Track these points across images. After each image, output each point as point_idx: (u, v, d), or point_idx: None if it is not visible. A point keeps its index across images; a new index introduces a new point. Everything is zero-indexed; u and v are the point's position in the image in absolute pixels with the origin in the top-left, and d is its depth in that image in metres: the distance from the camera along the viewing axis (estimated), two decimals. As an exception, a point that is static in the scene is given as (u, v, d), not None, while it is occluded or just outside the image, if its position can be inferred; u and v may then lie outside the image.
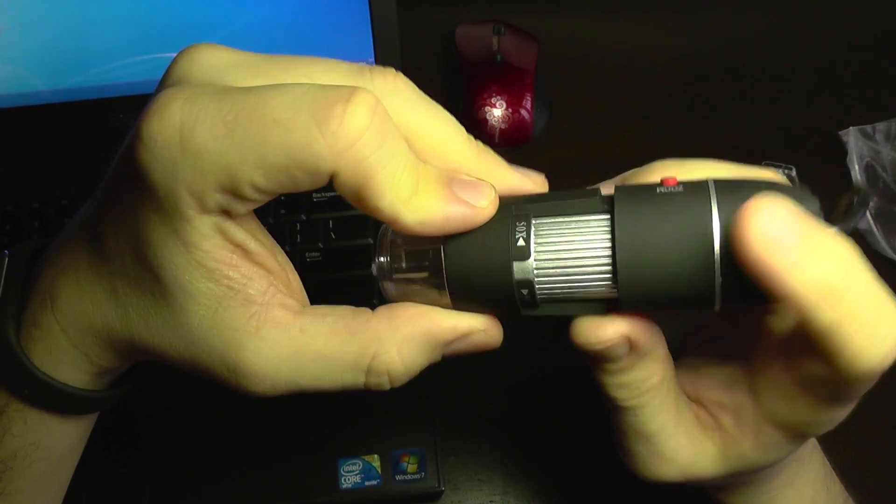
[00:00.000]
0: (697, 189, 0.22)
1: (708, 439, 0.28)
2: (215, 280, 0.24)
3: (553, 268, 0.24)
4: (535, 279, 0.24)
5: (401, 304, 0.26)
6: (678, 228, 0.22)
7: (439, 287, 0.25)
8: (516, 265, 0.23)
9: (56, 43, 0.56)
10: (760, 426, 0.26)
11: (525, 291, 0.24)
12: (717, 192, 0.22)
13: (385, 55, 0.58)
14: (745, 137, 0.63)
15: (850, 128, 0.62)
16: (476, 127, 0.61)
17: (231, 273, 0.24)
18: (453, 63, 0.66)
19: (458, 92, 0.63)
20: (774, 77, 0.68)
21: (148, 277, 0.24)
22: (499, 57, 0.63)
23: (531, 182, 0.26)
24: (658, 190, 0.23)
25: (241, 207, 0.23)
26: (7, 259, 0.29)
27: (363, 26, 0.57)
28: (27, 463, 0.29)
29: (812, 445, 0.34)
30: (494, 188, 0.24)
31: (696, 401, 0.29)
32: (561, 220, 0.24)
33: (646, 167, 0.26)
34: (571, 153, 0.62)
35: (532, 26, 0.67)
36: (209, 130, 0.22)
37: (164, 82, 0.25)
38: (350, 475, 0.47)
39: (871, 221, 0.59)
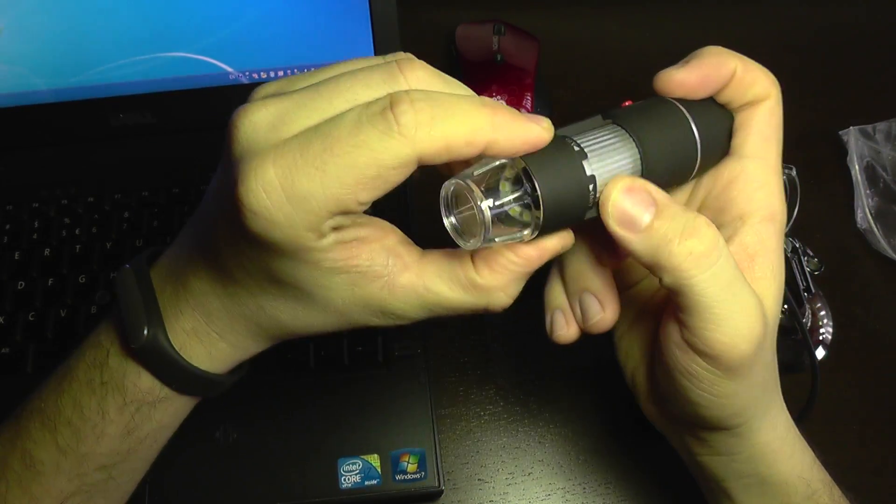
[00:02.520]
0: (662, 100, 0.33)
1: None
2: (345, 272, 0.29)
3: (604, 165, 0.30)
4: (596, 175, 0.29)
5: (495, 255, 0.30)
6: (672, 130, 0.32)
7: (528, 208, 0.29)
8: (585, 163, 0.29)
9: (56, 43, 0.56)
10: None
11: (591, 186, 0.29)
12: (689, 112, 0.33)
13: (385, 55, 0.58)
14: (745, 137, 0.63)
15: (850, 128, 0.62)
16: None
17: (356, 262, 0.29)
18: (453, 63, 0.66)
19: (458, 92, 0.63)
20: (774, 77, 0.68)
21: (288, 290, 0.30)
22: (499, 57, 0.63)
23: (544, 130, 0.28)
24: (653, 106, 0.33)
25: (347, 220, 0.28)
26: (133, 272, 0.33)
27: (363, 26, 0.57)
28: (151, 444, 0.35)
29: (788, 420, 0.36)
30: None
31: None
32: (592, 134, 0.31)
33: (702, 57, 0.34)
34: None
35: (532, 26, 0.67)
36: (306, 178, 0.26)
37: (232, 153, 0.28)
38: (350, 475, 0.47)
39: (871, 221, 0.59)
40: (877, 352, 0.54)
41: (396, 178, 0.26)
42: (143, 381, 0.33)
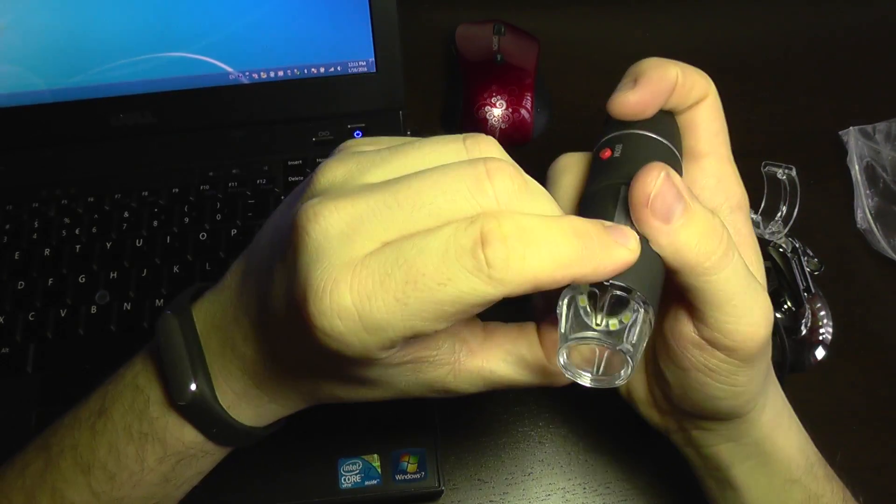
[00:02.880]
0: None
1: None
2: (411, 363, 0.29)
3: None
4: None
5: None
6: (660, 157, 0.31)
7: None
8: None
9: (56, 43, 0.56)
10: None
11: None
12: (659, 135, 0.33)
13: (385, 55, 0.58)
14: (745, 137, 0.63)
15: (850, 128, 0.62)
16: (476, 127, 0.61)
17: (421, 354, 0.29)
18: (453, 63, 0.66)
19: (458, 92, 0.63)
20: (774, 77, 0.68)
21: (350, 380, 0.30)
22: (499, 57, 0.63)
23: (630, 251, 0.27)
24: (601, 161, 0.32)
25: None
26: (177, 320, 0.32)
27: (363, 26, 0.57)
28: (187, 487, 0.35)
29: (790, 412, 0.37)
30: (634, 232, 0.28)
31: None
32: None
33: (647, 72, 0.34)
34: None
35: (532, 26, 0.67)
36: (384, 308, 0.24)
37: (299, 257, 0.26)
38: (350, 475, 0.47)
39: (871, 221, 0.59)
40: (877, 352, 0.54)
41: (478, 311, 0.25)
42: (187, 436, 0.33)
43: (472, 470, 0.50)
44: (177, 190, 0.58)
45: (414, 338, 0.26)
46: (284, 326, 0.28)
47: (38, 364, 0.51)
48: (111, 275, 0.54)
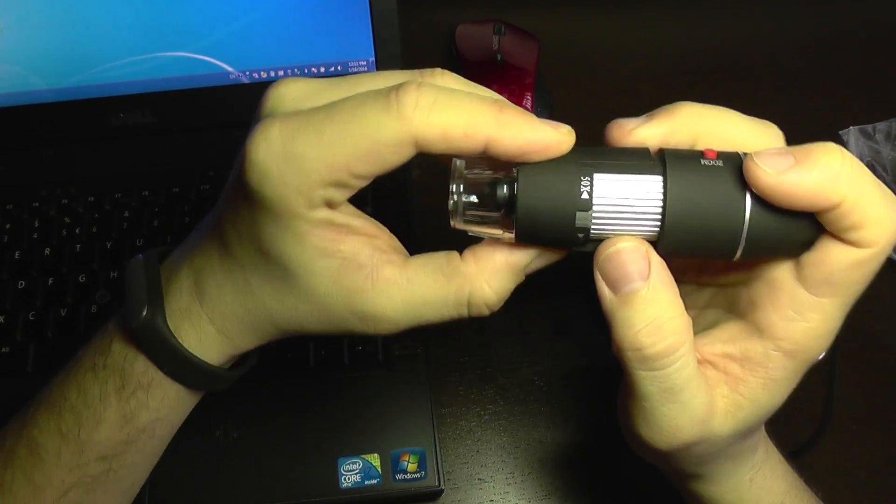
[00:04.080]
0: (733, 164, 0.27)
1: (718, 396, 0.30)
2: (330, 256, 0.29)
3: (609, 218, 0.28)
4: (592, 227, 0.28)
5: (482, 245, 0.30)
6: (719, 199, 0.27)
7: (506, 224, 0.28)
8: (579, 214, 0.27)
9: (56, 42, 0.56)
10: (769, 360, 0.29)
11: (581, 235, 0.28)
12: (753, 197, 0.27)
13: (386, 55, 0.58)
14: (745, 137, 0.63)
15: (850, 128, 0.62)
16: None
17: (342, 248, 0.29)
18: (454, 63, 0.66)
19: (458, 92, 0.63)
20: (774, 77, 0.68)
21: (275, 268, 0.29)
22: (499, 56, 0.63)
23: (561, 134, 0.27)
24: (702, 161, 0.27)
25: (340, 196, 0.28)
26: (143, 260, 0.34)
27: (364, 26, 0.57)
28: (151, 436, 0.35)
29: (771, 448, 0.36)
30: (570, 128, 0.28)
31: (700, 362, 0.31)
32: (620, 177, 0.27)
33: (674, 110, 0.29)
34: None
35: (532, 26, 0.67)
36: (305, 139, 0.27)
37: (259, 113, 0.30)
38: (350, 474, 0.47)
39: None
40: (877, 352, 0.54)
41: (392, 157, 0.27)
42: (139, 364, 0.33)
43: (472, 470, 0.50)
44: (177, 190, 0.58)
45: (334, 187, 0.27)
46: (229, 195, 0.30)
47: (39, 364, 0.51)
48: (111, 274, 0.54)
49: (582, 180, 0.27)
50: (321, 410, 0.49)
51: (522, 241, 0.29)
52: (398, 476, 0.47)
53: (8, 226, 0.57)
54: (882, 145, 0.62)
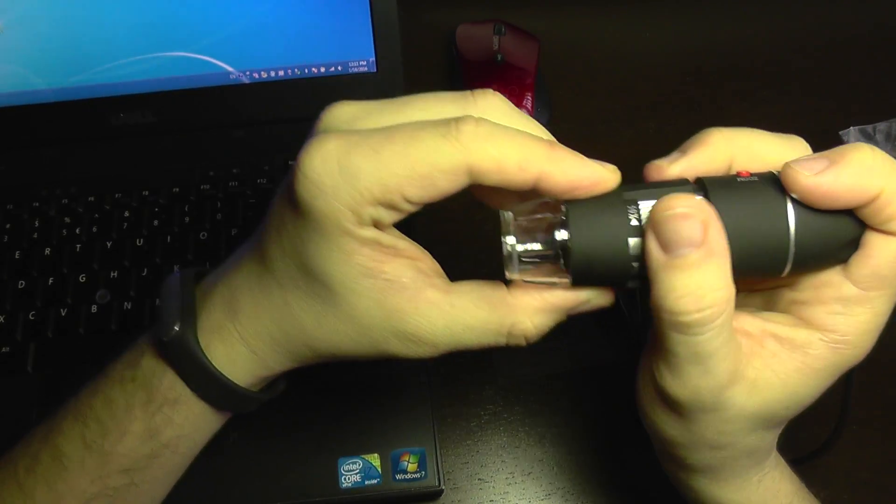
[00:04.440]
0: (768, 179, 0.28)
1: (749, 367, 0.29)
2: (374, 276, 0.29)
3: None
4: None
5: (532, 284, 0.30)
6: (762, 210, 0.28)
7: (559, 269, 0.29)
8: (632, 242, 0.28)
9: (56, 42, 0.56)
10: (811, 347, 0.29)
11: (636, 264, 0.28)
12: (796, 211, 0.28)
13: (386, 55, 0.58)
14: (745, 137, 0.63)
15: (850, 128, 0.62)
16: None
17: (386, 269, 0.29)
18: (454, 63, 0.66)
19: (458, 92, 0.63)
20: (774, 77, 0.68)
21: (317, 286, 0.30)
22: (499, 57, 0.63)
23: (608, 171, 0.28)
24: (738, 180, 0.29)
25: (389, 218, 0.28)
26: (179, 277, 0.34)
27: (364, 26, 0.57)
28: (175, 453, 0.35)
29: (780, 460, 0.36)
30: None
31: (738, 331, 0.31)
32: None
33: (705, 140, 0.30)
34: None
35: (533, 26, 0.67)
36: (361, 156, 0.27)
37: (313, 132, 0.30)
38: (350, 474, 0.47)
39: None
40: (877, 352, 0.54)
41: (445, 184, 0.27)
42: (167, 379, 0.33)
43: (472, 470, 0.50)
44: (177, 190, 0.58)
45: (385, 208, 0.27)
46: (277, 209, 0.30)
47: (39, 363, 0.51)
48: (111, 274, 0.54)
49: (629, 209, 0.28)
50: (321, 410, 0.49)
51: (577, 282, 0.29)
52: (398, 476, 0.47)
53: (8, 226, 0.57)
54: (882, 145, 0.62)
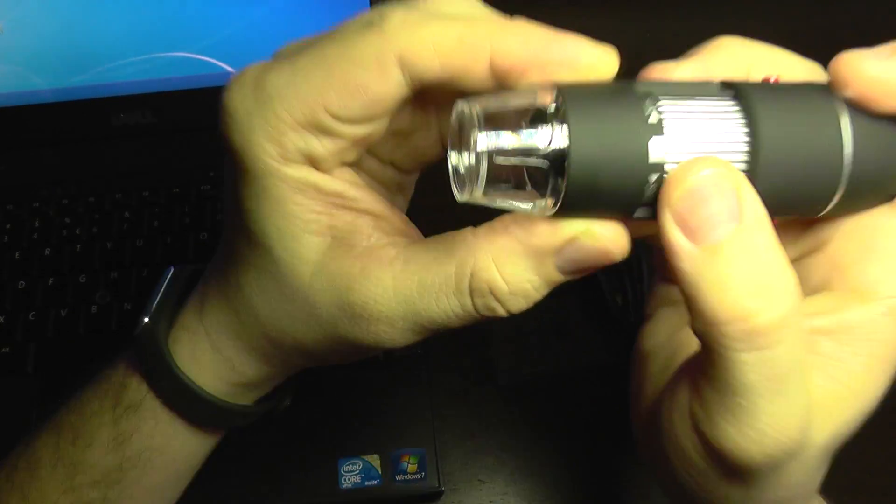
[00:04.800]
0: (810, 86, 0.22)
1: (813, 387, 0.22)
2: (314, 231, 0.23)
3: (687, 152, 0.20)
4: (667, 163, 0.20)
5: (502, 217, 0.23)
6: (809, 122, 0.21)
7: (542, 189, 0.20)
8: (653, 143, 0.20)
9: (56, 43, 0.56)
10: (876, 329, 0.22)
11: (654, 178, 0.20)
12: (852, 120, 0.21)
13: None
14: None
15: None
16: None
17: (334, 223, 0.24)
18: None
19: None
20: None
21: (261, 256, 0.24)
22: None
23: (601, 52, 0.22)
24: (771, 84, 0.22)
25: (323, 148, 0.23)
26: (171, 272, 0.31)
27: (363, 26, 0.57)
28: (147, 468, 0.30)
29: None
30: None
31: None
32: (689, 102, 0.21)
33: (717, 47, 0.24)
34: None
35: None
36: (276, 72, 0.22)
37: None
38: (350, 475, 0.47)
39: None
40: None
41: (376, 84, 0.21)
42: (134, 379, 0.30)
43: (472, 470, 0.50)
44: (177, 190, 0.58)
45: (311, 132, 0.22)
46: (225, 189, 0.26)
47: (39, 364, 0.51)
48: (112, 275, 0.54)
49: (645, 100, 0.20)
50: (321, 411, 0.49)
51: (567, 206, 0.20)
52: (398, 477, 0.47)
53: (8, 226, 0.57)
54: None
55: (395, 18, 0.21)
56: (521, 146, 0.20)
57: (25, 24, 0.55)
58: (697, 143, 0.20)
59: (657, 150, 0.20)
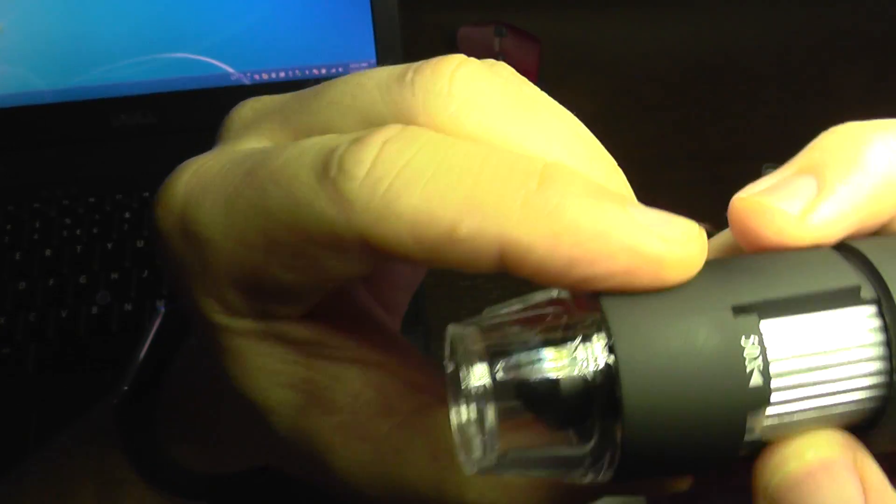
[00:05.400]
0: None
1: None
2: (285, 385, 0.18)
3: (792, 400, 0.14)
4: (766, 424, 0.14)
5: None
6: None
7: (601, 417, 0.14)
8: (750, 419, 0.14)
9: (57, 43, 0.56)
10: None
11: (745, 452, 0.15)
12: None
13: (387, 56, 0.58)
14: (745, 138, 0.63)
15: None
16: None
17: (309, 374, 0.18)
18: (454, 64, 0.66)
19: (459, 93, 0.63)
20: (774, 77, 0.68)
21: (239, 401, 0.19)
22: (500, 58, 0.63)
23: (673, 230, 0.14)
24: None
25: (282, 307, 0.18)
26: (161, 315, 0.26)
27: (365, 28, 0.57)
28: None
29: None
30: (700, 226, 0.15)
31: None
32: (804, 319, 0.14)
33: (852, 153, 0.17)
34: (572, 154, 0.62)
35: (533, 27, 0.67)
36: (210, 211, 0.17)
37: (216, 139, 0.21)
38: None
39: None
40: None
41: (327, 260, 0.16)
42: (114, 456, 0.25)
43: (472, 471, 0.50)
44: (178, 190, 0.57)
45: (255, 295, 0.17)
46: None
47: (39, 364, 0.51)
48: (112, 275, 0.54)
49: (744, 341, 0.14)
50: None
51: (622, 476, 0.15)
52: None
53: (8, 227, 0.56)
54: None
55: (359, 172, 0.15)
56: (544, 379, 0.14)
57: (26, 24, 0.55)
58: (804, 387, 0.14)
59: (753, 425, 0.14)
